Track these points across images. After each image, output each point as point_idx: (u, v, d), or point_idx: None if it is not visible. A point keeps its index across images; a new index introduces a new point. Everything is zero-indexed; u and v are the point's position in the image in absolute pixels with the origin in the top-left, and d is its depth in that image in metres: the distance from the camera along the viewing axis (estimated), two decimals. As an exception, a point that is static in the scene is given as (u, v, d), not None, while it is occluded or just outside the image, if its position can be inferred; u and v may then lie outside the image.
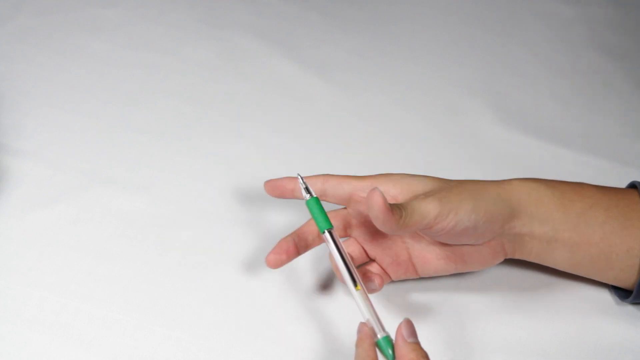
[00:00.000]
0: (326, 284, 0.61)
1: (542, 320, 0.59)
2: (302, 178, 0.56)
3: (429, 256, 0.58)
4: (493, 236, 0.56)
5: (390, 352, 0.50)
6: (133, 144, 0.72)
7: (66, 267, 0.61)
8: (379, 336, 0.51)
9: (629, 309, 0.60)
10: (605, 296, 0.61)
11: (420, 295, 0.61)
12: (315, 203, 0.55)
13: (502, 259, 0.59)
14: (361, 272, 0.57)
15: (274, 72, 0.82)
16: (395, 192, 0.56)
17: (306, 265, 0.62)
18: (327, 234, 0.54)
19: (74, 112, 0.75)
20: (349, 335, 0.57)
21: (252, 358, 0.56)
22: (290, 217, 0.65)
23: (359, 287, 0.53)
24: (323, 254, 0.62)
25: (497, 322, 0.59)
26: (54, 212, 0.65)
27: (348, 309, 0.59)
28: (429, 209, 0.53)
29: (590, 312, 0.60)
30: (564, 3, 0.96)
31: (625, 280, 0.58)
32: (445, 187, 0.56)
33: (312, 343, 0.57)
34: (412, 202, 0.53)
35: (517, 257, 0.59)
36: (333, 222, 0.58)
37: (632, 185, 0.61)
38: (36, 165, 0.68)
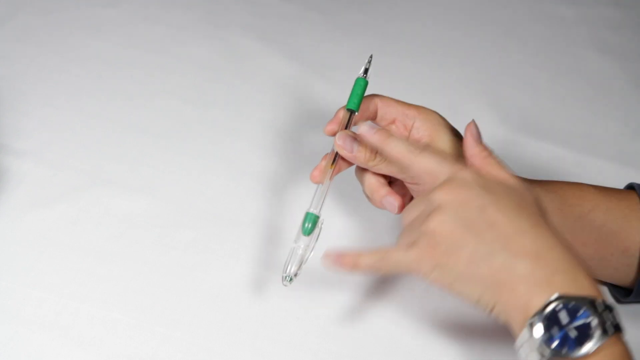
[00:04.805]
0: (327, 285, 0.61)
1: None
2: (371, 57, 0.59)
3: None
4: None
5: (308, 226, 0.55)
6: (133, 144, 0.72)
7: (66, 267, 0.61)
8: (312, 211, 0.55)
9: (629, 308, 0.60)
10: (605, 295, 0.61)
11: (420, 295, 0.61)
12: (363, 85, 0.58)
13: None
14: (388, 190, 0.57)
15: (274, 72, 0.82)
16: (424, 133, 0.57)
17: (306, 265, 0.62)
18: (347, 112, 0.57)
19: (74, 112, 0.75)
20: (349, 336, 0.57)
21: (252, 358, 0.56)
22: (290, 217, 0.65)
23: (333, 166, 0.56)
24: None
25: (497, 322, 0.59)
26: (54, 212, 0.65)
27: (348, 309, 0.59)
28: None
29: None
30: (564, 3, 0.96)
31: (621, 279, 0.58)
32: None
33: (311, 343, 0.57)
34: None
35: None
36: None
37: (630, 187, 0.60)
38: (36, 165, 0.68)
